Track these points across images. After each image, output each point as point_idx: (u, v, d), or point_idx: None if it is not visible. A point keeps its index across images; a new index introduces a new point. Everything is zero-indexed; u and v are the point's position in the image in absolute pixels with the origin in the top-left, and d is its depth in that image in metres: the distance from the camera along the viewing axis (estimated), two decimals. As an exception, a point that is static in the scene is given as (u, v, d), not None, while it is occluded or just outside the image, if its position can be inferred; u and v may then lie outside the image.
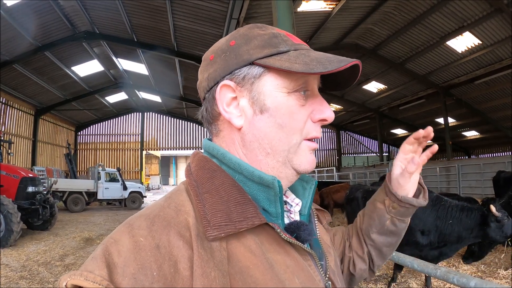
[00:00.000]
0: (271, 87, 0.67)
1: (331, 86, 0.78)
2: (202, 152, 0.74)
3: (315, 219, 0.83)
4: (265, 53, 0.66)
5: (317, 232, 0.81)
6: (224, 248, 0.58)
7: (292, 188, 0.80)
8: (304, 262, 0.67)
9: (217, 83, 0.69)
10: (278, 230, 0.63)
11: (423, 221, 4.47)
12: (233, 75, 0.68)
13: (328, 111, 0.70)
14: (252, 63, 0.67)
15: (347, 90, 22.96)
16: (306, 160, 0.70)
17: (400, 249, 4.02)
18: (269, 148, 0.68)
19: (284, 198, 0.76)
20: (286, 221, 0.71)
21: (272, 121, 0.67)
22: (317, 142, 0.73)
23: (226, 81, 0.68)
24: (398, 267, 5.15)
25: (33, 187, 10.41)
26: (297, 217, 0.75)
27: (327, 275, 0.74)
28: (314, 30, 14.69)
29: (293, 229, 0.68)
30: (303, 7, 12.04)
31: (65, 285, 0.52)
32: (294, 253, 0.66)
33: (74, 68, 18.48)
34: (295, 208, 0.75)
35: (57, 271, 6.45)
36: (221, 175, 0.66)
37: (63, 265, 6.91)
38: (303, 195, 0.79)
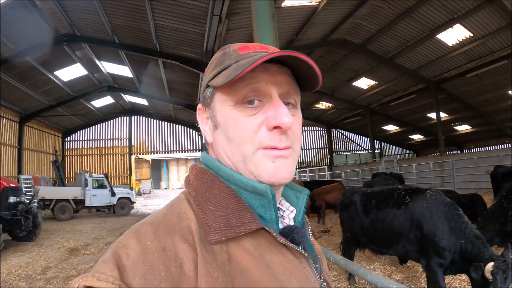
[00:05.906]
0: (219, 103, 0.72)
1: (307, 86, 0.77)
2: (200, 165, 0.77)
3: (308, 227, 0.83)
4: (213, 74, 0.72)
5: (310, 237, 0.82)
6: (225, 250, 0.61)
7: (286, 197, 0.82)
8: (299, 264, 0.69)
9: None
10: (274, 234, 0.67)
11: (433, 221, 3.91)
12: (201, 98, 0.77)
13: (282, 116, 0.67)
14: (207, 86, 0.74)
15: (337, 87, 22.82)
16: (266, 170, 0.68)
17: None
18: (228, 160, 0.71)
19: (279, 206, 0.79)
20: (281, 226, 0.73)
21: (223, 135, 0.71)
22: (283, 150, 0.69)
23: (199, 104, 0.79)
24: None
25: (15, 197, 10.18)
26: (291, 223, 0.77)
27: (322, 277, 0.75)
28: (300, 26, 14.39)
29: (287, 232, 0.71)
30: (288, 2, 11.70)
31: (77, 287, 0.52)
32: (290, 255, 0.69)
33: (57, 73, 17.99)
34: (289, 214, 0.78)
35: (37, 286, 6.23)
36: (219, 184, 0.70)
37: (44, 278, 6.70)
38: (296, 203, 0.81)
